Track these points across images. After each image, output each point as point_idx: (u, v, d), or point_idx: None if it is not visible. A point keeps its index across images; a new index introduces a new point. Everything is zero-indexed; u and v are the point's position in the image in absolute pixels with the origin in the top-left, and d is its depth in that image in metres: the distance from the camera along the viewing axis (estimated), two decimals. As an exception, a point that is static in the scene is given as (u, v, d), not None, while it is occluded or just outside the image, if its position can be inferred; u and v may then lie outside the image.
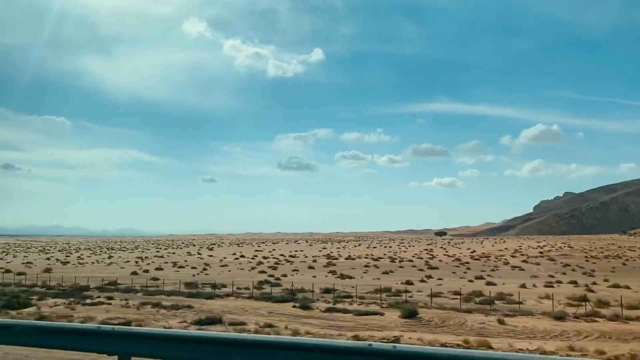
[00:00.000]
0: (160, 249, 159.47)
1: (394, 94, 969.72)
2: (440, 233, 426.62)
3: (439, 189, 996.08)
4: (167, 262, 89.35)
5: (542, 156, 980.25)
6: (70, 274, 59.57)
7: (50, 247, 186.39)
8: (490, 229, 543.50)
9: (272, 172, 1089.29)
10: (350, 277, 54.01)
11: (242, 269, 72.76)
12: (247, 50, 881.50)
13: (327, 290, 40.17)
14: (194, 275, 60.33)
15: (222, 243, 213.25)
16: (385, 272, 61.65)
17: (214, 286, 44.90)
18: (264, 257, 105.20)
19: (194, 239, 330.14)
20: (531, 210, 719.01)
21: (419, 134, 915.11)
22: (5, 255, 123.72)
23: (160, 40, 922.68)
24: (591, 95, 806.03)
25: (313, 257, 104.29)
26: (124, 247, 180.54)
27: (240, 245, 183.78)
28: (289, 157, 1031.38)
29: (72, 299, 36.12)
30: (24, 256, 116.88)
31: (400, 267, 73.11)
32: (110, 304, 34.04)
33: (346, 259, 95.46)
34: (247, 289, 43.57)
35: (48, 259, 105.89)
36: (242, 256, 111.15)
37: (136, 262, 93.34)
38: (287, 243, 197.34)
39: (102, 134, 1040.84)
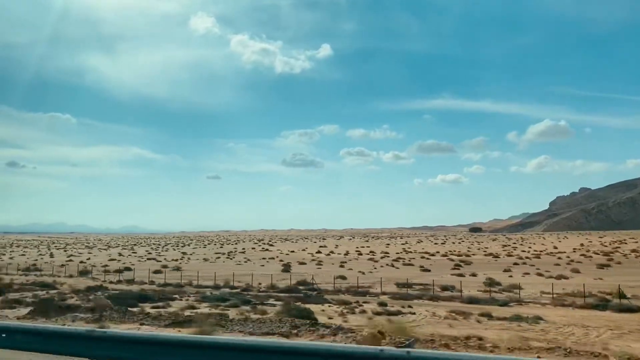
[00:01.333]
0: (213, 245, 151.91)
1: (401, 90, 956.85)
2: (475, 229, 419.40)
3: (444, 185, 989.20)
4: (265, 259, 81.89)
5: (548, 152, 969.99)
6: (207, 274, 51.78)
7: (91, 244, 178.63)
8: (513, 225, 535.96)
9: (277, 169, 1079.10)
10: (565, 278, 46.54)
11: (381, 266, 65.25)
12: (255, 46, 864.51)
13: (623, 296, 32.70)
14: (364, 273, 53.00)
15: (262, 239, 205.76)
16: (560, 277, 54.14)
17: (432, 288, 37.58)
18: (360, 254, 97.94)
19: (218, 236, 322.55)
20: (547, 206, 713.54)
21: (426, 130, 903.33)
22: (65, 251, 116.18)
23: (164, 37, 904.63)
24: (596, 92, 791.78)
25: (413, 253, 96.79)
26: (166, 243, 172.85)
27: (293, 241, 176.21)
28: (294, 153, 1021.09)
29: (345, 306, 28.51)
30: (89, 253, 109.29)
31: (557, 264, 65.76)
32: (412, 313, 26.51)
33: (467, 255, 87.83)
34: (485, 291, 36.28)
35: (120, 254, 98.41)
36: (359, 252, 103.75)
37: (229, 258, 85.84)
38: (338, 238, 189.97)
39: (105, 131, 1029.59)
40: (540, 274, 50.05)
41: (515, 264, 68.23)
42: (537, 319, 24.74)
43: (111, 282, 44.45)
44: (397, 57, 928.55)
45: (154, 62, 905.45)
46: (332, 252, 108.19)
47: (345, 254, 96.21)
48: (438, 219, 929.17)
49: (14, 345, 5.14)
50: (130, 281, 45.46)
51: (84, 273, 51.33)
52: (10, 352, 5.13)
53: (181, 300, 32.58)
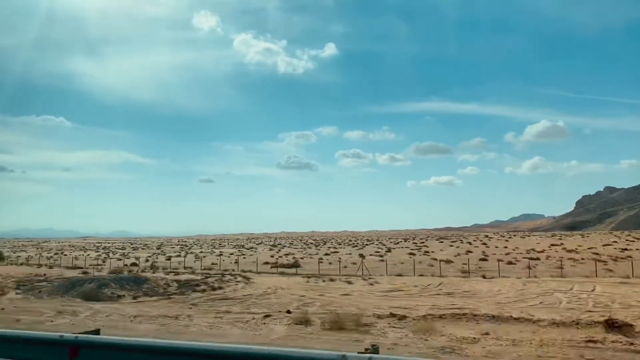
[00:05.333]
0: (375, 246, 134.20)
1: (403, 92, 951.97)
2: (570, 227, 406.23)
3: (439, 187, 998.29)
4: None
5: (543, 154, 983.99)
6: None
7: (140, 246, 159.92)
8: (561, 224, 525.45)
9: (271, 172, 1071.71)
10: None
11: None
12: (258, 46, 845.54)
13: None
14: None
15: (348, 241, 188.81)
16: None
17: None
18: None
19: (269, 237, 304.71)
20: (573, 206, 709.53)
21: (426, 131, 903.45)
22: (139, 252, 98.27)
23: (157, 40, 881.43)
24: (590, 94, 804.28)
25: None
26: (252, 243, 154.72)
27: (440, 241, 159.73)
28: (289, 156, 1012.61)
29: None
30: (190, 254, 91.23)
31: None
32: None
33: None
34: None
35: (219, 254, 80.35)
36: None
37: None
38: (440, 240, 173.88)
39: (93, 135, 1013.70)
40: None
41: None
42: None
43: None
44: (399, 60, 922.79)
45: (143, 66, 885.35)
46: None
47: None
48: (443, 221, 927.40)
49: None
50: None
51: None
52: None
53: None
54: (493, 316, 17.50)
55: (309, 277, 35.67)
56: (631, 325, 14.34)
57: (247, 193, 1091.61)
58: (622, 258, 59.16)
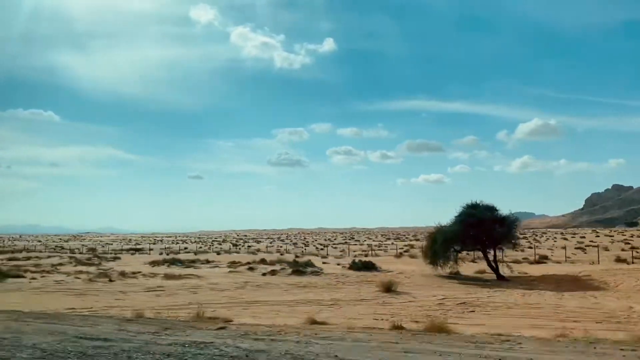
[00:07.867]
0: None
1: (398, 89, 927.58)
2: (632, 223, 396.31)
3: (431, 185, 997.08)
4: None
5: (533, 152, 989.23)
6: None
7: (189, 240, 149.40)
8: (580, 222, 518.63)
9: (262, 169, 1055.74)
10: None
11: None
12: (256, 40, 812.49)
13: None
14: None
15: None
16: None
17: None
18: None
19: (290, 233, 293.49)
20: (583, 203, 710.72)
21: (419, 129, 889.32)
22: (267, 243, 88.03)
23: (154, 33, 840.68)
24: (578, 94, 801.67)
25: None
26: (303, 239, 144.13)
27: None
28: (280, 153, 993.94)
29: None
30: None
31: None
32: None
33: None
34: None
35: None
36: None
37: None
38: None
39: (82, 131, 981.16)
40: None
41: None
42: None
43: None
44: (396, 57, 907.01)
45: (133, 61, 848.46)
46: None
47: None
48: (439, 218, 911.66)
49: None
50: None
51: None
52: None
53: None
54: None
55: None
56: None
57: (236, 190, 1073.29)
58: None
